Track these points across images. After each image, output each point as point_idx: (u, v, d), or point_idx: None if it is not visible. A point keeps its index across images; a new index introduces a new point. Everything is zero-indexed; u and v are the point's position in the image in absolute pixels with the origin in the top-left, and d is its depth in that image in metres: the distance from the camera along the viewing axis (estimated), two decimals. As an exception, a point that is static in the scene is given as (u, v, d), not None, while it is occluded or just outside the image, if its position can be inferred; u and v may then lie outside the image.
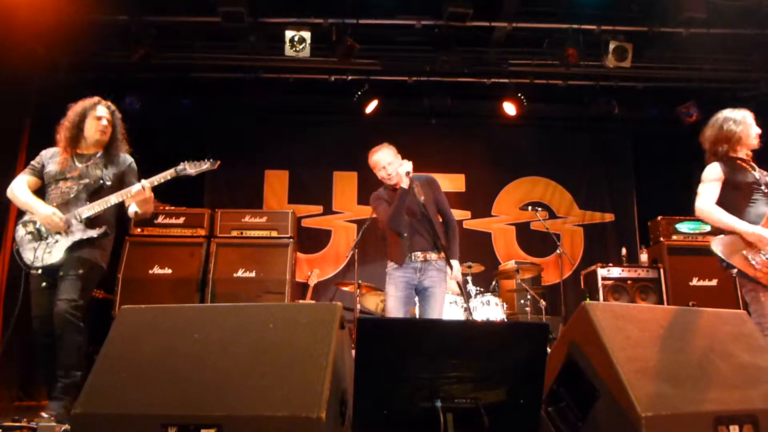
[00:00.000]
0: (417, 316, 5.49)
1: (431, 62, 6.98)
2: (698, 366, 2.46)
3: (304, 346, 2.18)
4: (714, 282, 6.43)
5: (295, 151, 8.36)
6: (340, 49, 6.49)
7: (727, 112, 3.81)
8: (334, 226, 8.22)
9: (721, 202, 3.62)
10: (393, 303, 4.11)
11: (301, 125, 8.37)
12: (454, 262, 4.13)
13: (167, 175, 3.69)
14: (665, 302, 6.36)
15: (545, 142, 8.63)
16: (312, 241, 8.07)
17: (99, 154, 3.75)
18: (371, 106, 7.61)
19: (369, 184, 8.13)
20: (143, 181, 3.65)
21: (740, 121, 3.73)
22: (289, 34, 6.36)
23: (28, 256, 3.53)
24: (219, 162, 3.87)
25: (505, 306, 5.98)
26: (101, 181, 3.67)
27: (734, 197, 3.62)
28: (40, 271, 3.50)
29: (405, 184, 4.02)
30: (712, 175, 3.68)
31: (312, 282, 7.00)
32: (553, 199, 8.48)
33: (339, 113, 8.13)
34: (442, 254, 4.08)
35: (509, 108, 7.67)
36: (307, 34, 6.38)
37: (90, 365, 2.41)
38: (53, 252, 3.51)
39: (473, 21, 6.21)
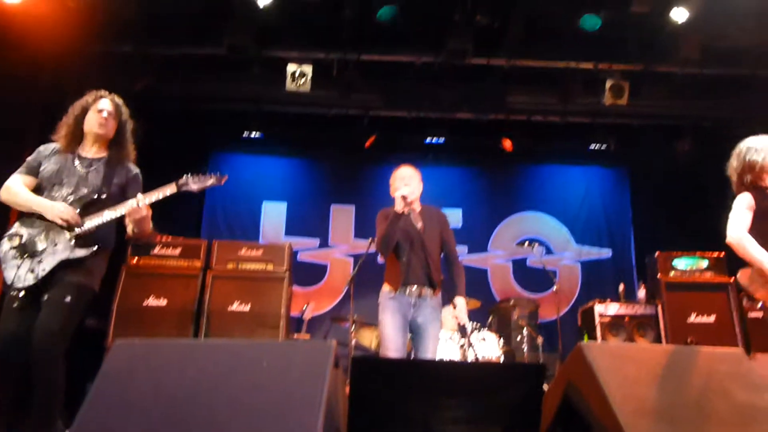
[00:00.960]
0: (410, 351, 5.45)
1: (431, 98, 7.07)
2: (696, 406, 2.43)
3: (298, 384, 2.16)
4: (712, 318, 6.38)
5: (293, 183, 8.40)
6: (340, 83, 6.58)
7: (749, 141, 3.72)
8: (331, 259, 8.21)
9: (753, 231, 3.50)
10: (390, 331, 3.89)
11: (300, 158, 8.43)
12: (460, 300, 4.00)
13: (167, 189, 3.31)
14: (663, 339, 6.31)
15: (542, 178, 8.69)
16: (308, 274, 8.04)
17: (103, 159, 3.37)
18: (370, 141, 7.67)
19: (366, 219, 8.18)
20: (139, 196, 3.23)
21: (761, 149, 3.63)
22: (290, 68, 6.47)
23: (8, 274, 3.10)
24: (226, 177, 3.53)
25: (501, 342, 5.93)
26: (98, 194, 3.26)
27: (763, 228, 3.50)
28: (22, 293, 3.08)
29: (399, 208, 3.89)
30: (744, 204, 3.56)
31: (307, 316, 6.94)
32: (550, 235, 8.49)
33: (338, 147, 8.20)
34: (437, 291, 3.98)
35: (507, 144, 7.74)
36: (308, 69, 6.48)
37: (81, 396, 2.36)
38: (36, 271, 3.10)
39: (472, 58, 6.31)
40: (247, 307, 5.90)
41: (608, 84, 6.63)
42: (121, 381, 2.35)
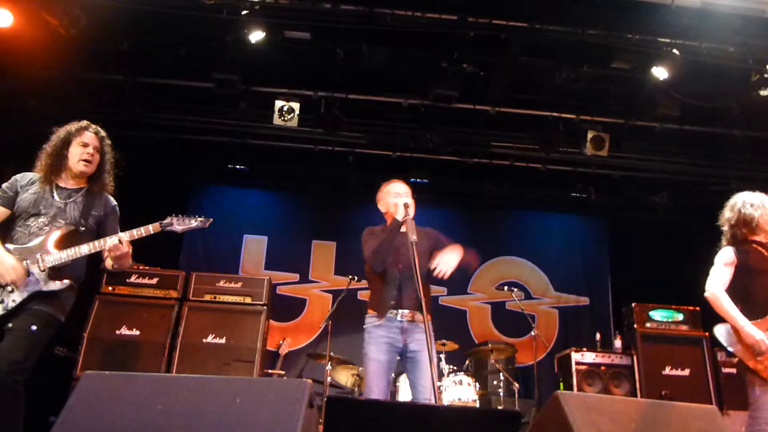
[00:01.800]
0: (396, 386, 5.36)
1: (416, 139, 7.17)
2: (670, 463, 2.43)
3: (271, 423, 2.12)
4: (686, 372, 6.42)
5: (275, 217, 8.40)
6: (327, 121, 6.65)
7: (745, 196, 3.79)
8: (310, 295, 8.15)
9: (735, 285, 3.58)
10: (375, 367, 3.55)
11: (282, 192, 8.44)
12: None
13: (150, 228, 3.22)
14: (638, 390, 6.31)
15: (523, 224, 8.79)
16: (286, 309, 7.96)
17: (82, 191, 3.30)
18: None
19: (347, 255, 8.17)
20: (121, 234, 3.19)
21: (758, 205, 3.71)
22: (278, 103, 6.55)
23: None
24: (211, 220, 3.44)
25: (477, 386, 5.89)
26: (77, 225, 3.19)
27: (747, 281, 3.59)
28: None
29: (400, 216, 3.61)
30: (724, 259, 3.64)
31: (283, 351, 6.83)
32: (529, 280, 8.53)
33: (321, 183, 8.24)
34: (429, 316, 3.59)
35: (490, 188, 7.84)
36: (296, 105, 6.56)
37: (45, 429, 2.28)
38: (6, 302, 3.03)
39: (459, 103, 6.44)
40: (222, 340, 5.81)
41: (590, 135, 6.79)
42: (89, 414, 2.29)
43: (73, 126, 3.36)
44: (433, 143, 7.09)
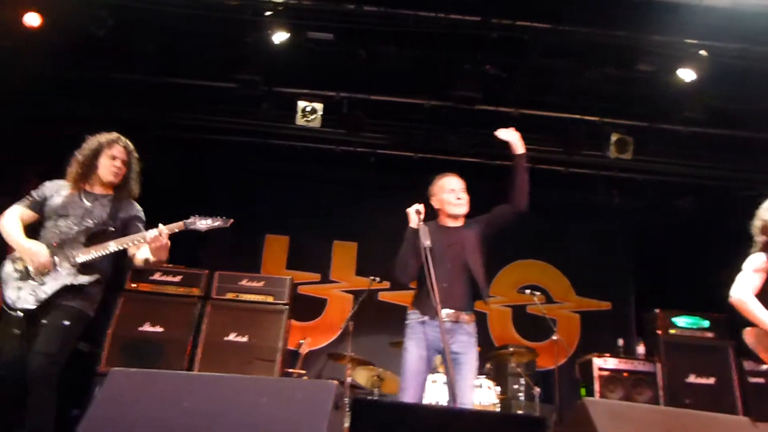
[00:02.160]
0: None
1: (438, 140, 7.15)
2: (697, 472, 2.39)
3: (296, 424, 2.13)
4: (712, 380, 6.30)
5: (297, 217, 8.42)
6: (349, 122, 6.66)
7: None
8: (330, 295, 8.17)
9: (763, 295, 3.48)
10: (413, 363, 3.52)
11: (305, 193, 8.47)
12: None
13: (175, 227, 3.37)
14: (660, 398, 6.22)
15: (545, 227, 8.69)
16: (306, 308, 7.99)
17: (109, 197, 3.49)
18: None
19: (368, 256, 8.18)
20: (161, 226, 3.32)
21: None
22: (301, 104, 6.56)
23: (10, 294, 3.18)
24: (232, 221, 3.62)
25: (498, 390, 5.85)
26: (105, 225, 3.37)
27: None
28: (20, 313, 3.14)
29: (414, 223, 3.65)
30: (755, 265, 3.54)
31: (303, 351, 6.86)
32: (550, 283, 8.46)
33: (343, 184, 8.26)
34: (473, 317, 3.68)
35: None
36: (319, 106, 6.57)
37: (69, 422, 2.32)
38: (38, 294, 3.17)
39: (481, 105, 6.41)
40: (244, 338, 5.86)
41: (613, 138, 6.71)
42: (115, 410, 2.32)
43: (104, 137, 3.55)
44: (455, 144, 7.06)
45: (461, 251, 3.67)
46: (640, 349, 6.81)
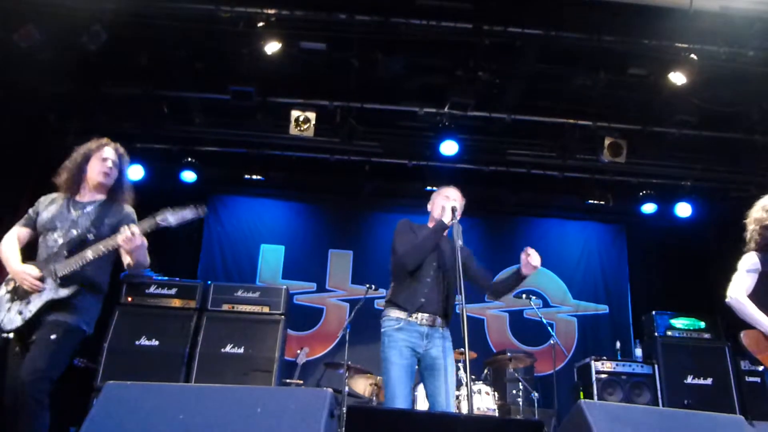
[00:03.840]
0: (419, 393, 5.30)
1: (431, 147, 7.17)
2: (695, 474, 2.39)
3: (292, 434, 2.12)
4: (709, 381, 6.32)
5: (292, 227, 8.43)
6: (343, 130, 6.68)
7: (763, 200, 3.70)
8: (327, 304, 8.15)
9: (757, 294, 3.49)
10: (397, 372, 3.44)
11: (299, 202, 8.48)
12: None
13: (146, 226, 3.20)
14: (660, 399, 6.23)
15: (540, 231, 8.73)
16: (303, 318, 7.97)
17: (99, 203, 3.39)
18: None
19: (364, 264, 8.17)
20: (131, 225, 3.18)
21: None
22: (294, 113, 6.57)
23: (1, 317, 3.14)
24: (204, 207, 3.39)
25: (496, 396, 5.84)
26: (85, 234, 3.24)
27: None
28: (10, 334, 3.09)
29: (446, 219, 3.58)
30: (748, 265, 3.55)
31: (300, 361, 6.84)
32: (547, 287, 8.47)
33: (338, 193, 8.27)
34: (447, 323, 3.64)
35: (507, 195, 7.82)
36: (312, 115, 6.59)
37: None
38: (24, 313, 3.11)
39: (474, 111, 6.43)
40: (240, 350, 5.83)
41: (607, 142, 6.74)
42: (111, 424, 2.30)
43: (93, 143, 3.48)
44: (449, 151, 7.07)
45: (451, 257, 3.63)
46: (638, 351, 6.82)
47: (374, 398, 6.01)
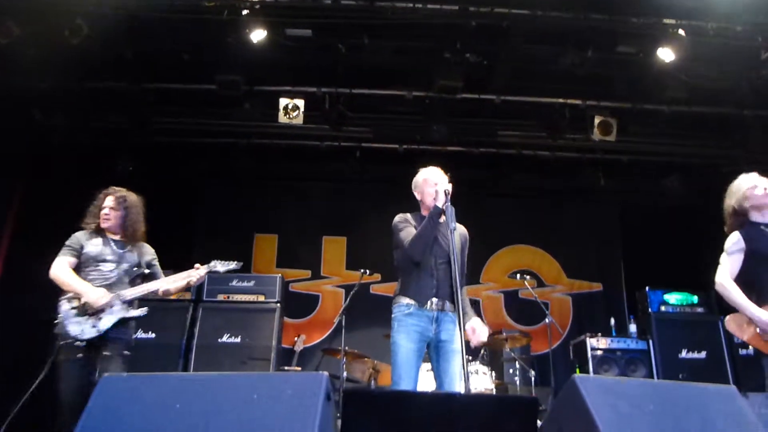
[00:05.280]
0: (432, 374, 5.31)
1: (422, 131, 7.15)
2: (689, 444, 2.42)
3: (289, 418, 2.13)
4: (703, 354, 6.39)
5: (284, 215, 8.41)
6: (332, 117, 6.65)
7: (740, 178, 3.74)
8: (322, 291, 8.17)
9: (743, 274, 3.52)
10: (406, 355, 3.51)
11: (291, 190, 8.45)
12: (476, 320, 3.69)
13: (203, 270, 4.12)
14: (655, 374, 6.30)
15: (533, 212, 8.74)
16: (299, 306, 7.99)
17: (122, 241, 4.04)
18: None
19: (358, 250, 8.19)
20: (199, 267, 4.10)
21: (732, 192, 3.70)
22: (283, 101, 6.53)
23: (73, 329, 3.70)
24: (242, 263, 4.34)
25: (493, 375, 5.89)
26: (140, 268, 4.04)
27: (755, 269, 3.51)
28: (84, 343, 3.69)
29: (440, 202, 3.57)
30: (733, 246, 3.57)
31: (298, 348, 6.87)
32: (541, 267, 8.51)
33: (329, 180, 8.24)
34: (455, 307, 3.51)
35: (498, 177, 7.82)
36: (300, 102, 6.55)
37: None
38: (97, 326, 3.73)
39: (463, 93, 6.41)
40: (237, 339, 5.85)
41: (597, 121, 6.74)
42: (108, 416, 2.31)
43: (102, 194, 4.11)
44: (439, 135, 7.06)
45: (445, 242, 3.65)
46: (632, 327, 6.88)
47: (373, 382, 6.05)
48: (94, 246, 3.92)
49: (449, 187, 3.68)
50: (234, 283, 6.17)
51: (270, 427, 2.13)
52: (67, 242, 3.95)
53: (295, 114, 6.51)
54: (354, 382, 6.27)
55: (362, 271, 6.00)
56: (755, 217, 3.63)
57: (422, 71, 6.46)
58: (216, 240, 8.07)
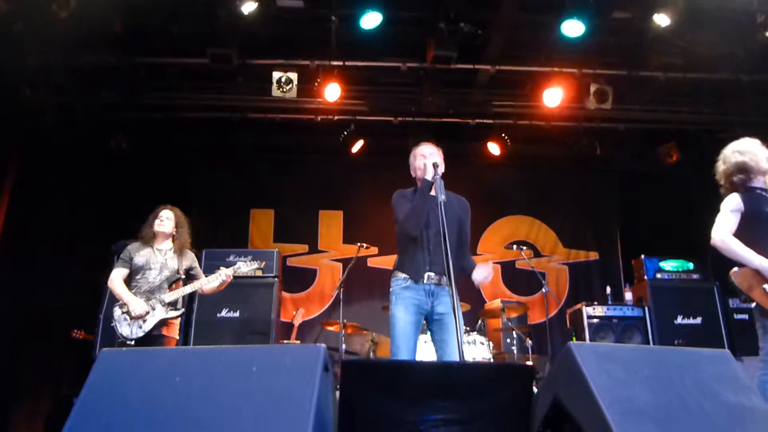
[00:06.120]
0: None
1: (416, 103, 7.10)
2: (684, 407, 2.45)
3: (287, 389, 2.15)
4: (698, 320, 6.46)
5: (280, 190, 8.39)
6: (326, 90, 6.58)
7: (733, 144, 3.77)
8: (320, 265, 8.20)
9: (741, 234, 3.53)
10: (403, 328, 3.60)
11: (286, 165, 8.41)
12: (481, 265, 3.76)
13: (229, 271, 4.60)
14: (651, 341, 6.37)
15: (530, 182, 8.74)
16: (297, 280, 8.02)
17: (172, 249, 4.63)
18: (357, 146, 7.68)
19: (354, 223, 8.19)
20: (225, 270, 4.60)
21: (745, 150, 3.69)
22: (276, 75, 6.46)
23: (125, 330, 4.37)
24: (264, 263, 5.02)
25: (491, 345, 5.94)
26: (178, 274, 4.59)
27: (754, 229, 3.53)
28: (133, 342, 4.33)
29: (429, 175, 3.60)
30: (731, 205, 3.60)
31: (297, 322, 6.92)
32: (538, 237, 8.54)
33: (325, 153, 8.20)
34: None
35: (494, 148, 7.78)
36: (294, 76, 6.48)
37: (69, 409, 2.34)
38: (143, 327, 4.37)
39: (457, 63, 6.34)
40: (236, 314, 5.88)
41: (592, 89, 6.69)
42: (108, 391, 2.33)
43: (157, 208, 4.75)
44: (434, 106, 7.00)
45: (441, 216, 3.52)
46: (628, 295, 6.93)
47: (371, 354, 6.11)
48: (141, 257, 4.54)
49: (439, 159, 3.70)
50: (231, 258, 6.17)
51: (269, 397, 2.15)
52: (121, 254, 4.64)
53: (288, 87, 6.44)
54: (353, 354, 6.34)
55: (359, 244, 6.01)
56: (757, 182, 3.66)
57: (416, 42, 6.39)
58: (213, 215, 8.07)
